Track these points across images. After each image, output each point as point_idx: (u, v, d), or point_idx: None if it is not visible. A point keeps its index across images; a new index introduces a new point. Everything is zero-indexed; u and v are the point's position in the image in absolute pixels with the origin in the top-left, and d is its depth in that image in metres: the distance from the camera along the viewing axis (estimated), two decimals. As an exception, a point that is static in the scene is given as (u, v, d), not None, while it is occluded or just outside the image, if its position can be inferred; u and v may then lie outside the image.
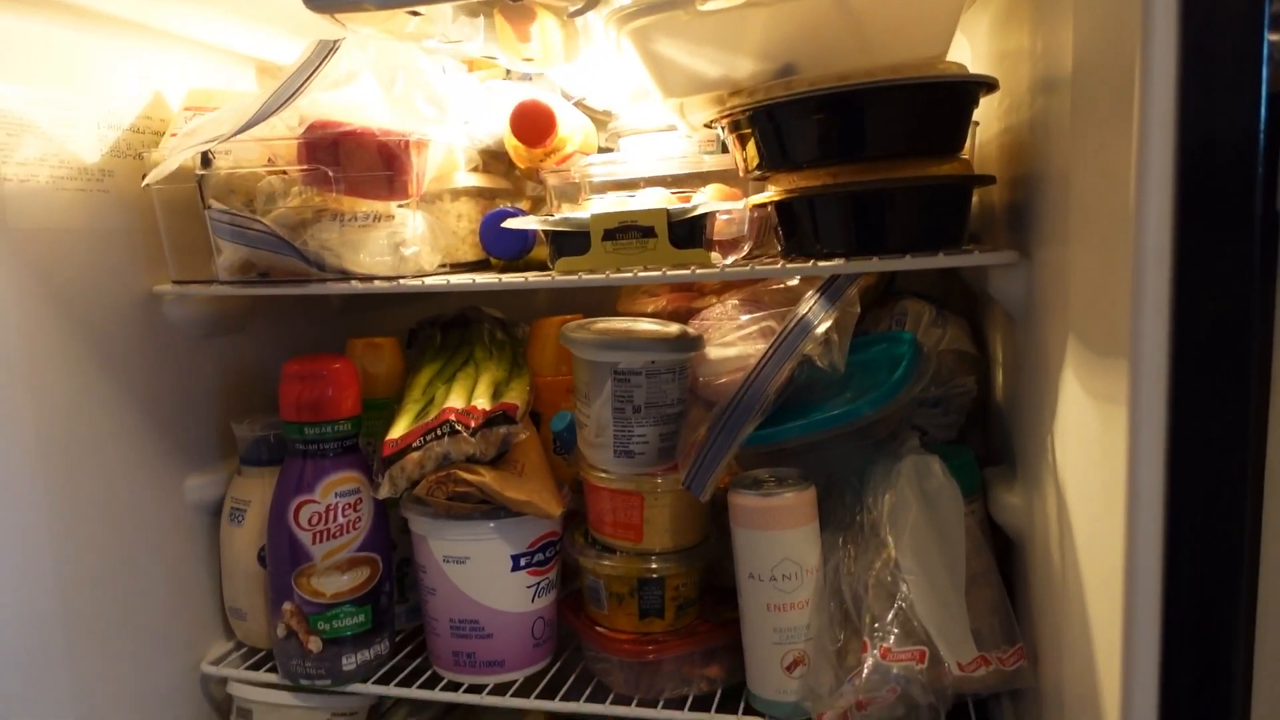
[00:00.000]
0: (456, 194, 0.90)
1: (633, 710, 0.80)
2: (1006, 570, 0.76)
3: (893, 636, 0.64)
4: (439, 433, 0.80)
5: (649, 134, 0.92)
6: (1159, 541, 0.44)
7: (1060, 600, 0.60)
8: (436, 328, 1.03)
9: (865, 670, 0.63)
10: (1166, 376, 0.43)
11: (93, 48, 0.81)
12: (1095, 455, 0.50)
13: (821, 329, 0.74)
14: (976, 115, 0.74)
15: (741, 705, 0.78)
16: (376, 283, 0.80)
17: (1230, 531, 0.44)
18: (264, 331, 1.02)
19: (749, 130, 0.71)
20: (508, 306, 1.05)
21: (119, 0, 0.81)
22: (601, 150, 0.94)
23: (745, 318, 0.83)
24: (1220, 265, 0.44)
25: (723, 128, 0.75)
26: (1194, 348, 0.44)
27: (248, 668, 0.91)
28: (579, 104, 0.95)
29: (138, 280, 0.86)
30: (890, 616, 0.64)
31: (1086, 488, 0.53)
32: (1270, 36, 0.43)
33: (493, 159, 0.96)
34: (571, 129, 0.87)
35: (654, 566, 0.80)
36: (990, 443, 0.88)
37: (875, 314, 0.92)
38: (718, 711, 0.78)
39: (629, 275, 0.74)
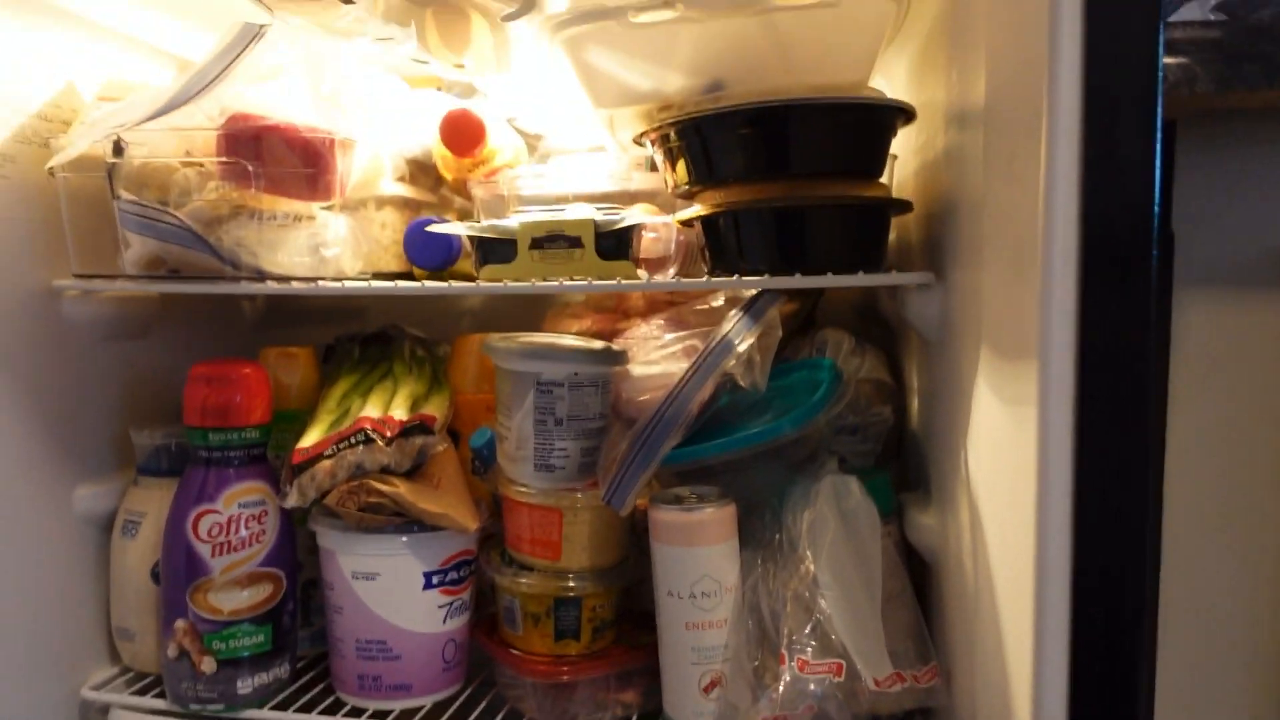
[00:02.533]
0: (381, 202, 0.89)
1: (544, 735, 0.77)
2: (921, 593, 0.77)
3: (810, 649, 0.63)
4: (353, 441, 0.78)
5: (578, 154, 0.93)
6: (1068, 534, 0.45)
7: (972, 615, 0.60)
8: (355, 343, 1.00)
9: (782, 684, 0.62)
10: (1073, 374, 0.44)
11: (3, 28, 0.78)
12: (1006, 457, 0.51)
13: (744, 347, 0.75)
14: (895, 149, 0.77)
15: (657, 728, 0.76)
16: (294, 283, 0.78)
17: (1134, 523, 0.45)
18: (171, 339, 0.98)
19: (677, 144, 0.72)
20: (430, 326, 1.04)
21: (34, -19, 0.78)
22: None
23: (669, 337, 0.84)
24: (1122, 276, 0.46)
25: (651, 143, 0.76)
26: (1098, 350, 0.45)
27: (133, 693, 0.85)
28: (510, 123, 0.95)
29: (35, 273, 0.82)
30: (808, 630, 0.64)
31: (997, 492, 0.54)
32: (1161, 73, 0.47)
33: (420, 172, 0.95)
34: (501, 143, 0.87)
35: (571, 585, 0.78)
36: (906, 471, 0.89)
37: (796, 343, 0.94)
38: (632, 735, 0.76)
39: (555, 284, 0.74)
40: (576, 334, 0.93)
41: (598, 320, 0.95)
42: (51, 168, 0.80)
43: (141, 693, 0.85)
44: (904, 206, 0.74)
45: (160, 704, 0.83)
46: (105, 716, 0.86)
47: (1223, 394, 0.51)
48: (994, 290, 0.56)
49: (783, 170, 0.69)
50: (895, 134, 0.74)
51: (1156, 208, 0.46)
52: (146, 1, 0.86)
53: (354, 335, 1.01)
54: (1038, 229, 0.46)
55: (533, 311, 1.06)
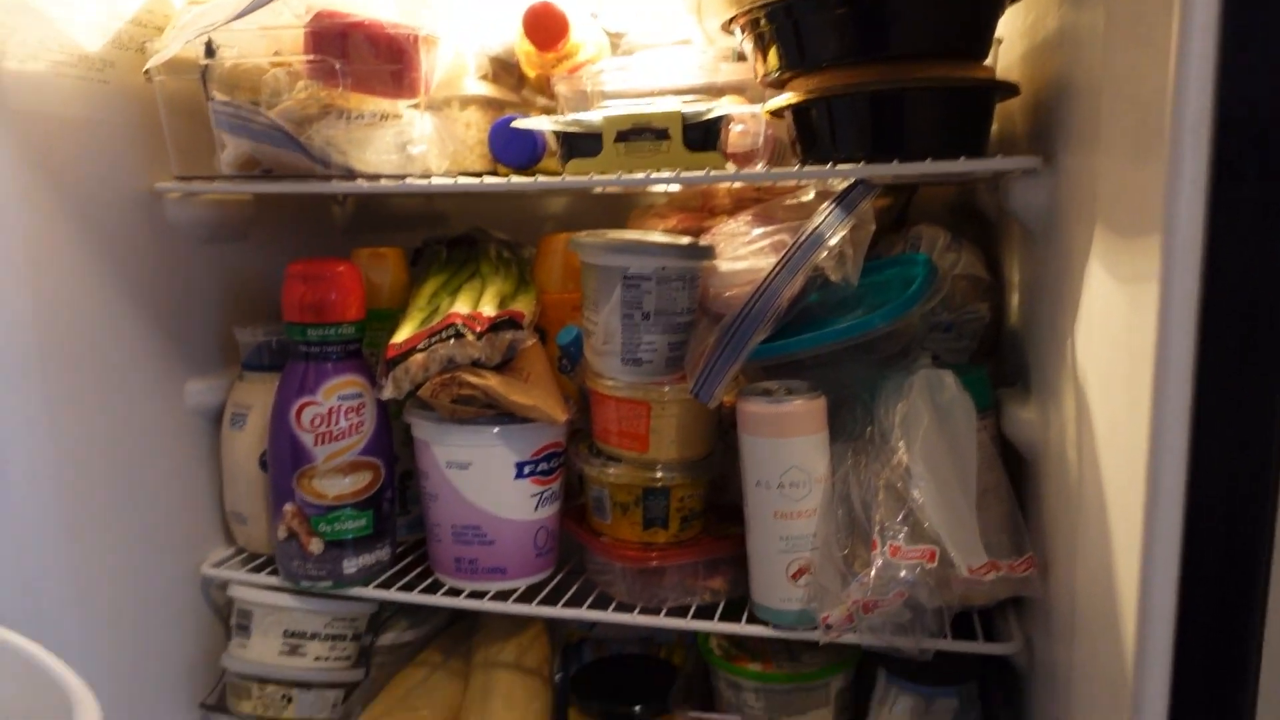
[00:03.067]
0: (465, 101, 0.88)
1: (634, 618, 0.80)
2: (1018, 488, 0.76)
3: (902, 536, 0.63)
4: (444, 335, 0.79)
5: (663, 48, 0.90)
6: (1185, 421, 0.44)
7: (1075, 508, 0.59)
8: (442, 245, 1.02)
9: (874, 569, 0.63)
10: (1200, 248, 0.42)
11: (95, -68, 0.79)
12: (1120, 341, 0.49)
13: (835, 240, 0.73)
14: (1001, 32, 0.72)
15: (745, 614, 0.78)
16: (382, 181, 0.79)
17: (1261, 410, 0.43)
18: (267, 242, 1.01)
19: (767, 29, 0.69)
20: (514, 230, 1.04)
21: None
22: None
23: (757, 232, 0.82)
24: (1259, 152, 0.43)
25: (741, 29, 0.73)
26: (1227, 226, 0.43)
27: (248, 571, 0.91)
28: (593, 19, 0.92)
29: (139, 176, 0.85)
30: (900, 518, 0.64)
31: (1109, 380, 0.52)
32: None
33: (504, 71, 0.94)
34: (584, 38, 0.85)
35: (659, 476, 0.80)
36: (1003, 369, 0.87)
37: (889, 239, 0.91)
38: (721, 620, 0.78)
39: (642, 177, 0.73)
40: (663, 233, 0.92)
41: (683, 219, 0.94)
42: (148, 71, 0.81)
43: (256, 570, 0.91)
44: (1010, 89, 0.71)
45: (274, 580, 0.89)
46: (224, 591, 0.92)
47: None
48: (1112, 171, 0.53)
49: (880, 52, 0.66)
50: (1002, 11, 0.69)
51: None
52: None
53: (440, 238, 1.03)
54: (1166, 104, 0.43)
55: (616, 213, 1.06)
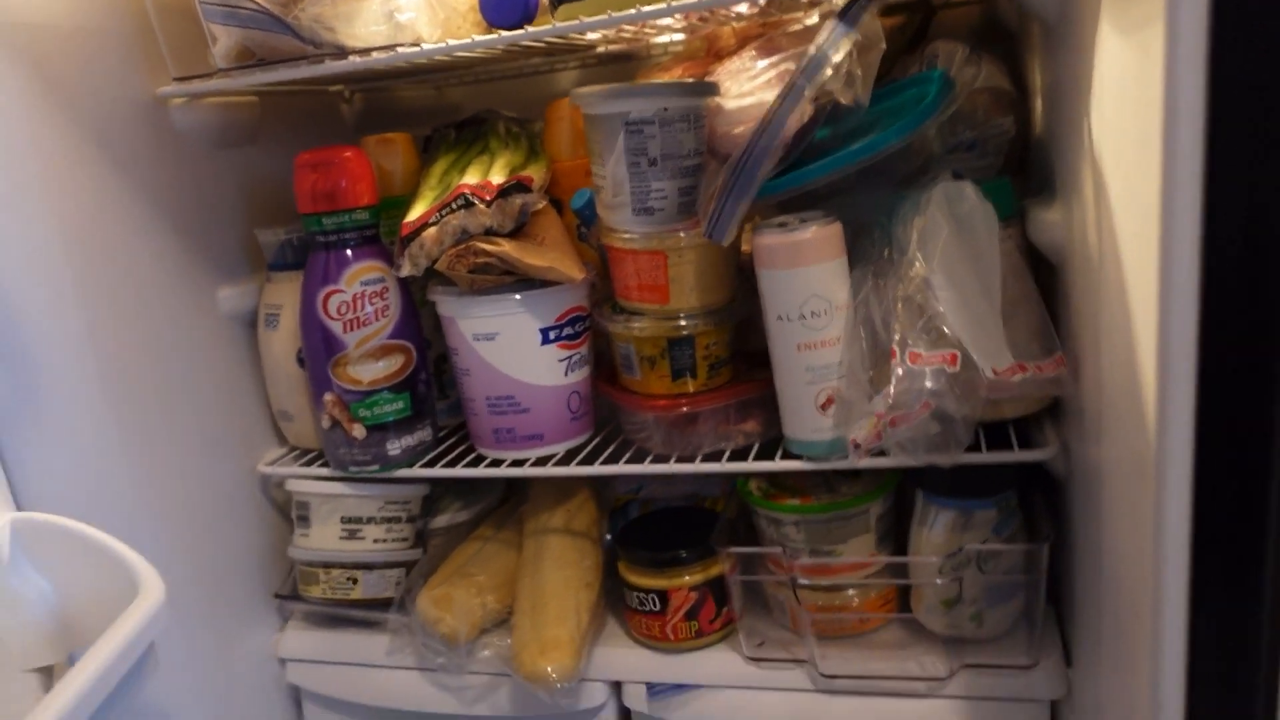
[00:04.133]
0: (452, -35, 0.86)
1: (671, 467, 0.81)
2: (1051, 298, 0.74)
3: (923, 343, 0.62)
4: (454, 206, 0.79)
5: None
6: (1199, 178, 0.41)
7: (1097, 300, 0.57)
8: (451, 128, 1.01)
9: (895, 378, 0.62)
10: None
11: None
12: (1130, 97, 0.46)
13: (839, 57, 0.69)
14: None
15: (779, 451, 0.78)
16: (374, 54, 0.77)
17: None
18: (278, 144, 1.01)
19: None
20: (526, 110, 1.02)
21: None
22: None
23: (762, 64, 0.79)
24: None
25: None
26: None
27: (301, 465, 0.94)
28: None
29: (141, 83, 0.85)
30: (920, 325, 0.63)
31: (1121, 146, 0.49)
32: None
33: (488, -68, 0.90)
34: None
35: (683, 324, 0.79)
36: (1029, 184, 0.84)
37: (905, 62, 0.88)
38: (755, 459, 0.79)
39: (632, 13, 0.70)
40: (666, 83, 0.89)
41: (688, 68, 0.91)
42: (132, -29, 0.80)
43: (308, 464, 0.94)
44: None
45: (325, 471, 0.92)
46: (283, 487, 0.96)
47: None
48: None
49: None
50: None
51: None
52: None
53: (449, 123, 1.01)
54: None
55: (626, 76, 1.03)
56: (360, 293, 0.85)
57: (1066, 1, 0.62)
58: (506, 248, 0.79)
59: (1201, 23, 0.40)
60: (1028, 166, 0.84)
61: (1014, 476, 0.75)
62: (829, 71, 0.70)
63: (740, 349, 0.85)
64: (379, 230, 0.88)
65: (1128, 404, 0.50)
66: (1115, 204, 0.51)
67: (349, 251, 0.85)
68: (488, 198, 0.80)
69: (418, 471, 0.89)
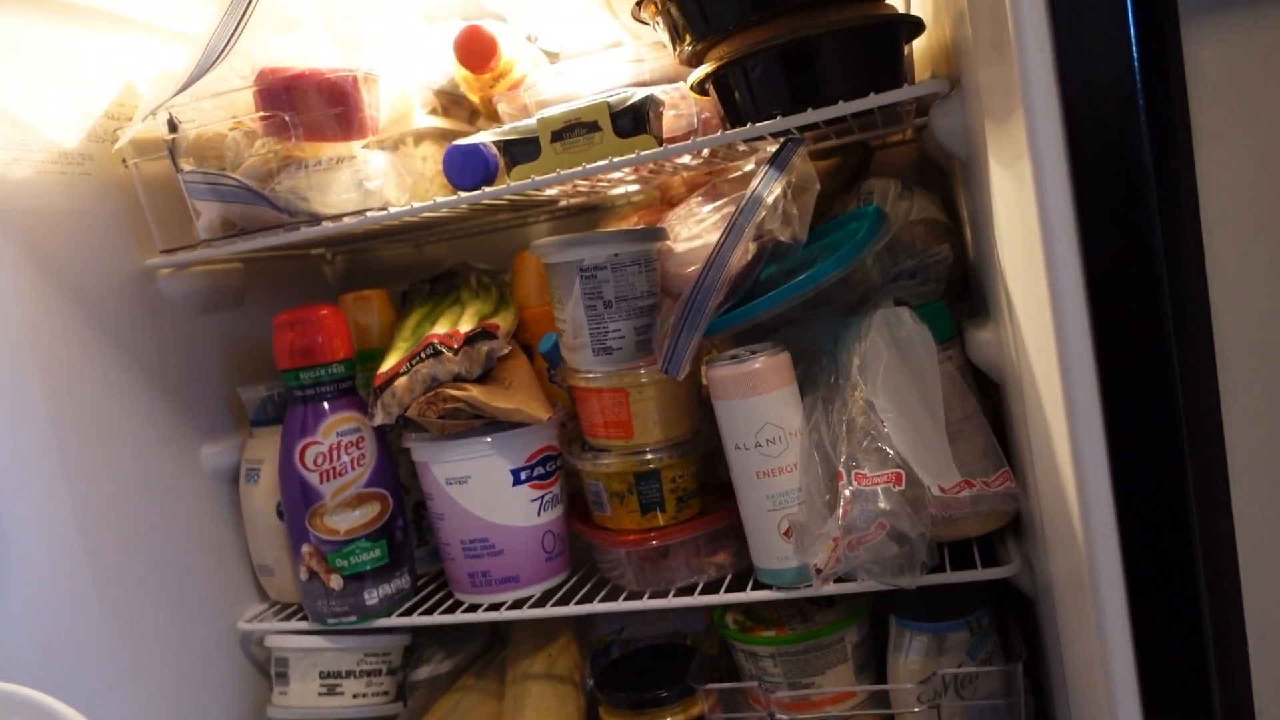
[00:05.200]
0: (419, 137, 0.93)
1: (645, 603, 0.81)
2: (999, 418, 0.76)
3: (868, 464, 0.64)
4: (423, 355, 0.83)
5: (593, 54, 0.94)
6: (1080, 280, 0.44)
7: (1025, 414, 0.59)
8: (426, 282, 1.06)
9: (844, 501, 0.63)
10: (1059, 118, 0.43)
11: (64, 39, 0.85)
12: (1016, 222, 0.50)
13: (772, 198, 0.74)
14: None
15: (750, 582, 0.78)
16: (345, 219, 0.83)
17: (1149, 254, 0.44)
18: (262, 307, 1.05)
19: (671, 6, 0.72)
20: (499, 260, 1.08)
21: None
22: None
23: (707, 209, 0.84)
24: (1096, 15, 0.44)
25: (649, 16, 0.76)
26: (1080, 85, 0.44)
27: (280, 620, 0.94)
28: (530, 41, 0.97)
29: (129, 257, 0.90)
30: (864, 445, 0.64)
31: (1018, 268, 0.53)
32: None
33: (453, 104, 0.99)
34: (517, 55, 0.90)
35: (649, 458, 0.81)
36: (972, 305, 0.88)
37: (844, 199, 0.93)
38: (726, 591, 0.79)
39: (579, 170, 0.76)
40: (625, 232, 0.95)
41: (644, 215, 0.97)
42: (124, 159, 0.87)
43: (287, 619, 0.94)
44: (912, 23, 0.72)
45: (304, 625, 0.91)
46: (262, 644, 0.95)
47: (1256, 122, 0.48)
48: (987, 76, 0.55)
49: (779, 4, 0.68)
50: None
51: None
52: (186, -4, 0.92)
53: (426, 278, 1.07)
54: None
55: (590, 228, 1.09)
56: (337, 443, 0.87)
57: (970, 139, 0.67)
58: (474, 392, 0.82)
59: (1060, 151, 0.44)
60: (969, 290, 0.88)
61: (984, 596, 0.75)
62: (764, 213, 0.75)
63: (709, 481, 0.87)
64: (355, 383, 0.91)
65: (1061, 518, 0.52)
66: (1022, 322, 0.54)
67: (326, 404, 0.88)
68: (455, 345, 0.84)
69: (396, 621, 0.89)
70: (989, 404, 0.76)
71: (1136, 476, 0.47)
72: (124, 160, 0.88)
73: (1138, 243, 0.44)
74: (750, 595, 0.77)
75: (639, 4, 0.75)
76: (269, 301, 1.06)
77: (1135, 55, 0.44)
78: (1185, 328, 0.46)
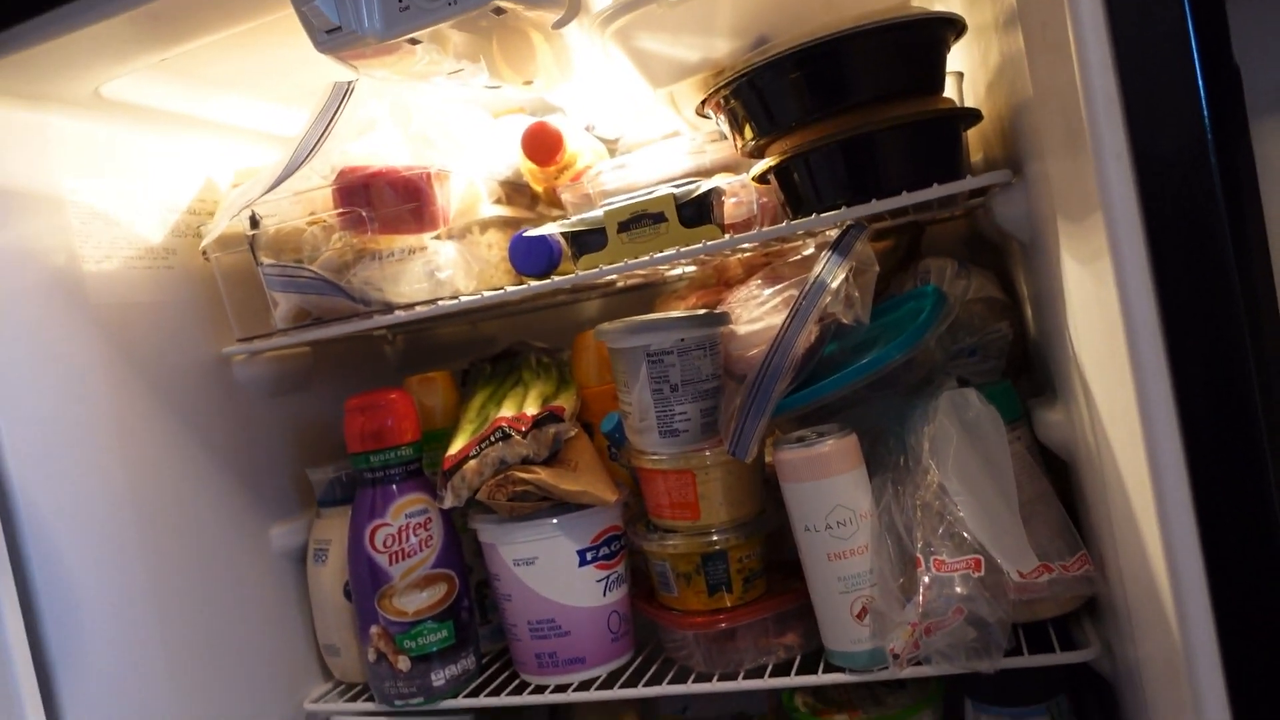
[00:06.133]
0: (485, 225, 0.96)
1: (714, 685, 0.81)
2: (1068, 495, 0.76)
3: (945, 550, 0.64)
4: (493, 439, 0.84)
5: (654, 143, 0.97)
6: (1166, 377, 0.45)
7: (1105, 498, 0.60)
8: (487, 362, 1.08)
9: (923, 587, 0.63)
10: (1139, 218, 0.45)
11: (149, 141, 0.91)
12: (1095, 318, 0.51)
13: (836, 283, 0.76)
14: (961, 67, 0.77)
15: (821, 664, 0.78)
16: (418, 308, 0.86)
17: (1235, 352, 0.45)
18: (328, 388, 1.09)
19: (736, 104, 0.75)
20: (555, 340, 1.10)
21: (170, 97, 0.90)
22: (613, 170, 0.99)
23: (768, 292, 0.86)
24: (1172, 113, 0.46)
25: (715, 111, 0.79)
26: (1158, 191, 0.45)
27: (346, 700, 0.95)
28: (589, 131, 1.01)
29: (208, 345, 0.94)
30: (940, 532, 0.65)
31: (1097, 356, 0.54)
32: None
33: (516, 193, 1.02)
34: (580, 147, 0.93)
35: (715, 539, 0.82)
36: (1034, 382, 0.88)
37: (900, 278, 0.95)
38: (798, 674, 0.78)
39: (646, 259, 0.79)
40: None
41: (701, 296, 0.99)
42: (204, 251, 0.92)
43: (353, 699, 0.94)
44: (971, 115, 0.75)
45: (370, 706, 0.92)
46: (327, 725, 0.96)
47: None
48: (1059, 169, 0.57)
49: (839, 103, 0.71)
50: (948, 47, 0.74)
51: (1193, 39, 0.46)
52: (262, 97, 0.97)
53: (485, 357, 1.09)
54: (1078, 92, 0.47)
55: (646, 306, 1.11)
56: (405, 525, 0.89)
57: (1035, 226, 0.69)
58: (543, 475, 0.83)
59: (1141, 256, 0.45)
60: (1030, 368, 0.88)
61: (1063, 680, 0.74)
62: (828, 297, 0.76)
63: (775, 559, 0.87)
64: (422, 464, 0.93)
65: (1150, 602, 0.52)
66: (1101, 407, 0.55)
67: (394, 486, 0.90)
68: (523, 429, 0.85)
69: (461, 702, 0.89)
70: (1058, 483, 0.76)
71: (1230, 559, 0.47)
72: (205, 253, 0.92)
73: (1220, 339, 0.45)
74: (822, 678, 0.77)
75: (703, 102, 0.78)
76: (334, 382, 1.10)
77: (1212, 156, 0.46)
78: (1273, 410, 0.47)
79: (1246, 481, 0.47)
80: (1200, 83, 0.46)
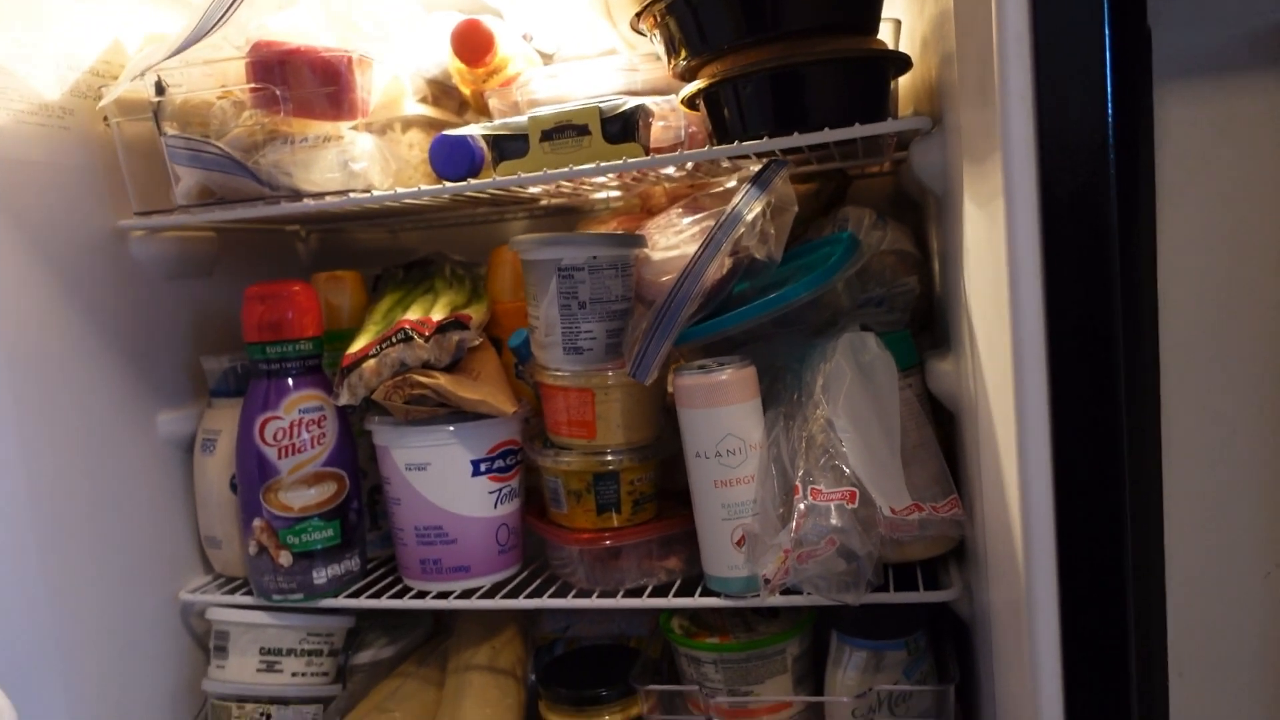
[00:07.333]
0: (407, 123, 0.93)
1: (594, 601, 0.82)
2: (953, 448, 0.78)
3: (824, 480, 0.66)
4: (394, 340, 0.83)
5: (588, 60, 0.95)
6: (1041, 336, 0.46)
7: (978, 447, 0.62)
8: (400, 268, 1.06)
9: (798, 514, 0.65)
10: (1034, 161, 0.45)
11: (51, -10, 0.85)
12: (986, 262, 0.52)
13: (752, 216, 0.76)
14: (901, 15, 0.76)
15: (699, 589, 0.79)
16: (328, 198, 0.83)
17: (1105, 306, 0.46)
18: (232, 278, 1.05)
19: (670, 21, 0.74)
20: (474, 254, 1.08)
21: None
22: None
23: (686, 221, 0.86)
24: (1080, 68, 0.47)
25: (649, 27, 0.78)
26: (1058, 136, 0.46)
27: (224, 593, 0.93)
28: (525, 40, 0.98)
29: (103, 216, 0.89)
30: (821, 463, 0.66)
31: (984, 303, 0.55)
32: None
33: (443, 95, 0.99)
34: (513, 52, 0.90)
35: (609, 460, 0.82)
36: (934, 337, 0.90)
37: (819, 223, 0.95)
38: (674, 596, 0.80)
39: (565, 170, 0.77)
40: (602, 234, 0.96)
41: (623, 222, 0.98)
42: (105, 116, 0.86)
43: (231, 592, 0.93)
44: (900, 60, 0.75)
45: (248, 600, 0.91)
46: (204, 617, 0.94)
47: (1214, 186, 0.51)
48: (970, 117, 0.57)
49: (772, 30, 0.70)
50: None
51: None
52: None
53: (399, 264, 1.07)
54: (993, 43, 0.47)
55: (568, 229, 1.10)
56: (298, 420, 0.87)
57: (948, 177, 0.70)
58: (441, 380, 0.82)
59: (1032, 194, 0.46)
60: (932, 322, 0.90)
61: (923, 618, 0.77)
62: (743, 229, 0.76)
63: (669, 488, 0.88)
64: (322, 361, 0.91)
65: (1004, 550, 0.54)
66: (983, 356, 0.57)
67: (290, 380, 0.88)
68: (426, 333, 0.84)
69: (341, 602, 0.89)
70: (943, 433, 0.79)
71: (1079, 517, 0.49)
72: (105, 118, 0.87)
73: (1098, 288, 0.46)
74: (698, 601, 0.78)
75: (638, 15, 0.76)
76: (239, 273, 1.06)
77: (1110, 110, 0.46)
78: (1136, 375, 0.49)
79: (1102, 437, 0.48)
80: (1107, 38, 0.46)
